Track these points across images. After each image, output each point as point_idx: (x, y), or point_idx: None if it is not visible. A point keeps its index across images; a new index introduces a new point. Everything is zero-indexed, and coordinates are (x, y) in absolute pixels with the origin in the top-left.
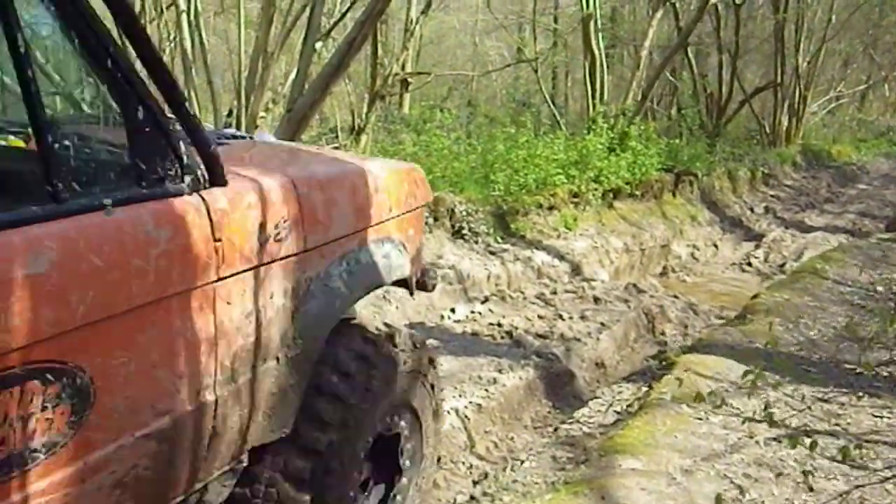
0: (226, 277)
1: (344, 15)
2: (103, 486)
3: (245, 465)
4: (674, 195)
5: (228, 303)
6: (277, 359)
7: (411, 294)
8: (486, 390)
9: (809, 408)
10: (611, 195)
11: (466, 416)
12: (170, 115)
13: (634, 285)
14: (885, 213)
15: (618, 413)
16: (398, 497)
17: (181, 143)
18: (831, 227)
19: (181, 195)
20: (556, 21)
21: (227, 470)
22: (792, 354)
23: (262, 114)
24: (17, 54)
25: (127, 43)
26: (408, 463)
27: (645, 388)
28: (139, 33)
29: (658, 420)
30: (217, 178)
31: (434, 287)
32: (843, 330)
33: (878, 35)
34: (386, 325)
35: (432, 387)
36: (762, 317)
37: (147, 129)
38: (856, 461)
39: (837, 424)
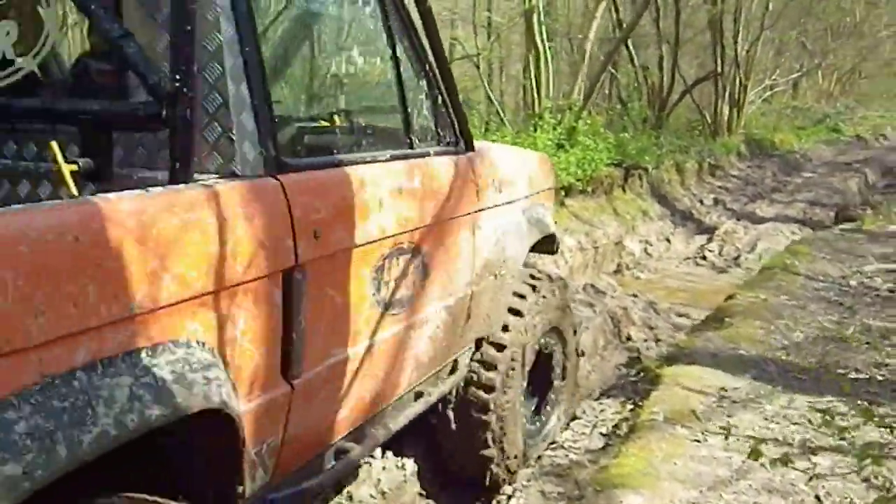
0: (480, 210)
1: None
2: (422, 336)
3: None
4: (623, 190)
5: (480, 228)
6: (494, 276)
7: (552, 253)
8: None
9: (809, 421)
10: (562, 192)
11: None
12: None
13: (592, 286)
14: (833, 200)
15: (604, 436)
16: (548, 407)
17: (458, 118)
18: (782, 216)
19: (458, 154)
20: (489, 15)
21: (466, 351)
22: (779, 361)
23: None
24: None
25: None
26: (557, 379)
27: (630, 406)
28: (433, 26)
29: (653, 444)
30: (470, 146)
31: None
32: (826, 331)
33: (810, 23)
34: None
35: (572, 323)
36: (741, 319)
37: (443, 107)
38: (870, 480)
39: (843, 439)
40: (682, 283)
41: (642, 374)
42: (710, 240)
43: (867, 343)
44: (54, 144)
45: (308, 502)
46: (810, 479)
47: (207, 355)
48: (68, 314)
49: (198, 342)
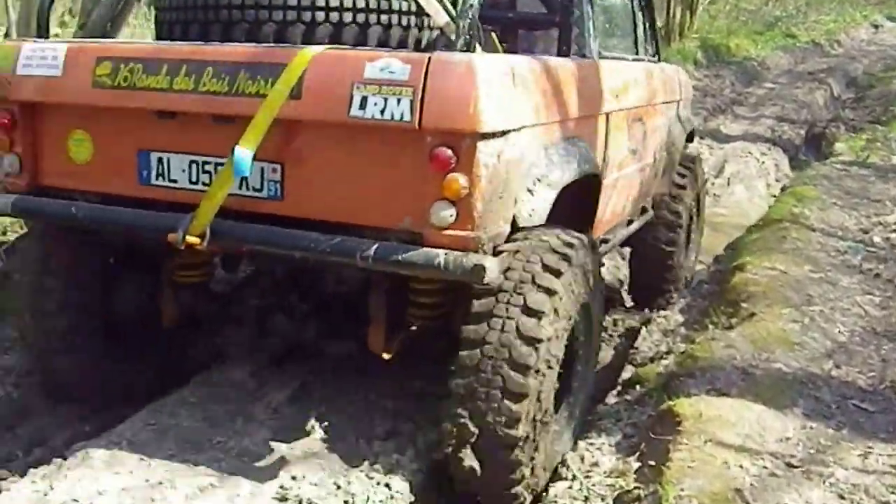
0: (669, 102)
1: None
2: (640, 178)
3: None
4: None
5: (666, 113)
6: (668, 152)
7: (690, 142)
8: None
9: None
10: None
11: None
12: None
13: None
14: (801, 116)
15: None
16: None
17: (655, 40)
18: (749, 135)
19: (656, 63)
20: None
21: (645, 206)
22: (830, 379)
23: (56, 30)
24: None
25: None
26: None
27: (637, 474)
28: None
29: None
30: (660, 59)
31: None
32: (871, 321)
33: None
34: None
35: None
36: (764, 307)
37: (650, 32)
38: None
39: None
40: None
41: (647, 397)
42: None
43: None
44: (493, 34)
45: None
46: None
47: (590, 148)
48: (561, 110)
49: (585, 141)
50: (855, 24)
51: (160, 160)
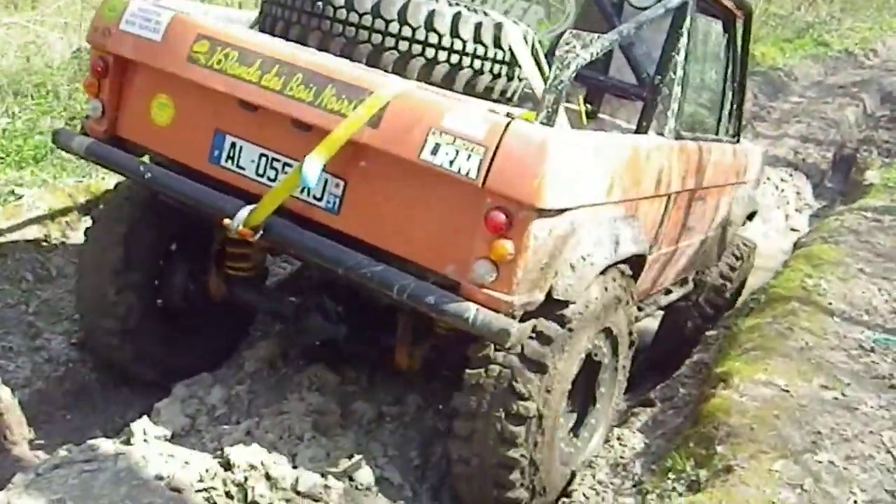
0: (732, 184)
1: None
2: (689, 251)
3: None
4: None
5: (727, 194)
6: (723, 229)
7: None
8: None
9: None
10: None
11: None
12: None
13: None
14: (829, 136)
15: None
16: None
17: (739, 120)
18: (770, 157)
19: (733, 144)
20: None
21: (687, 278)
22: None
23: None
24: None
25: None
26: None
27: None
28: (745, 59)
29: None
30: (739, 139)
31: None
32: None
33: None
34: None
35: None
36: (746, 456)
37: (736, 111)
38: None
39: None
40: None
41: None
42: None
43: None
44: (580, 93)
45: None
46: None
47: (643, 228)
48: (624, 191)
49: (640, 220)
50: (893, 32)
51: (233, 145)
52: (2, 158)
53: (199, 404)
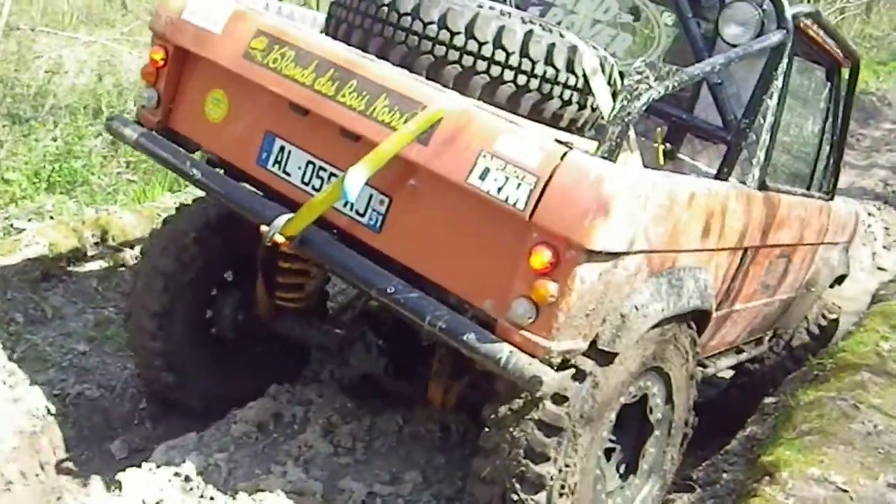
0: (822, 244)
1: None
2: (765, 312)
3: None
4: None
5: (816, 254)
6: (808, 290)
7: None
8: None
9: None
10: None
11: None
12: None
13: None
14: None
15: None
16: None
17: (836, 176)
18: (857, 188)
19: (827, 201)
20: None
21: (762, 338)
22: None
23: None
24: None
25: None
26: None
27: None
28: (849, 111)
29: None
30: (833, 196)
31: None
32: None
33: None
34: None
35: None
36: None
37: (833, 167)
38: None
39: None
40: None
41: None
42: None
43: None
44: (659, 130)
45: None
46: None
47: (711, 281)
48: (691, 240)
49: (709, 273)
50: None
51: (282, 149)
52: (35, 183)
53: (171, 474)
